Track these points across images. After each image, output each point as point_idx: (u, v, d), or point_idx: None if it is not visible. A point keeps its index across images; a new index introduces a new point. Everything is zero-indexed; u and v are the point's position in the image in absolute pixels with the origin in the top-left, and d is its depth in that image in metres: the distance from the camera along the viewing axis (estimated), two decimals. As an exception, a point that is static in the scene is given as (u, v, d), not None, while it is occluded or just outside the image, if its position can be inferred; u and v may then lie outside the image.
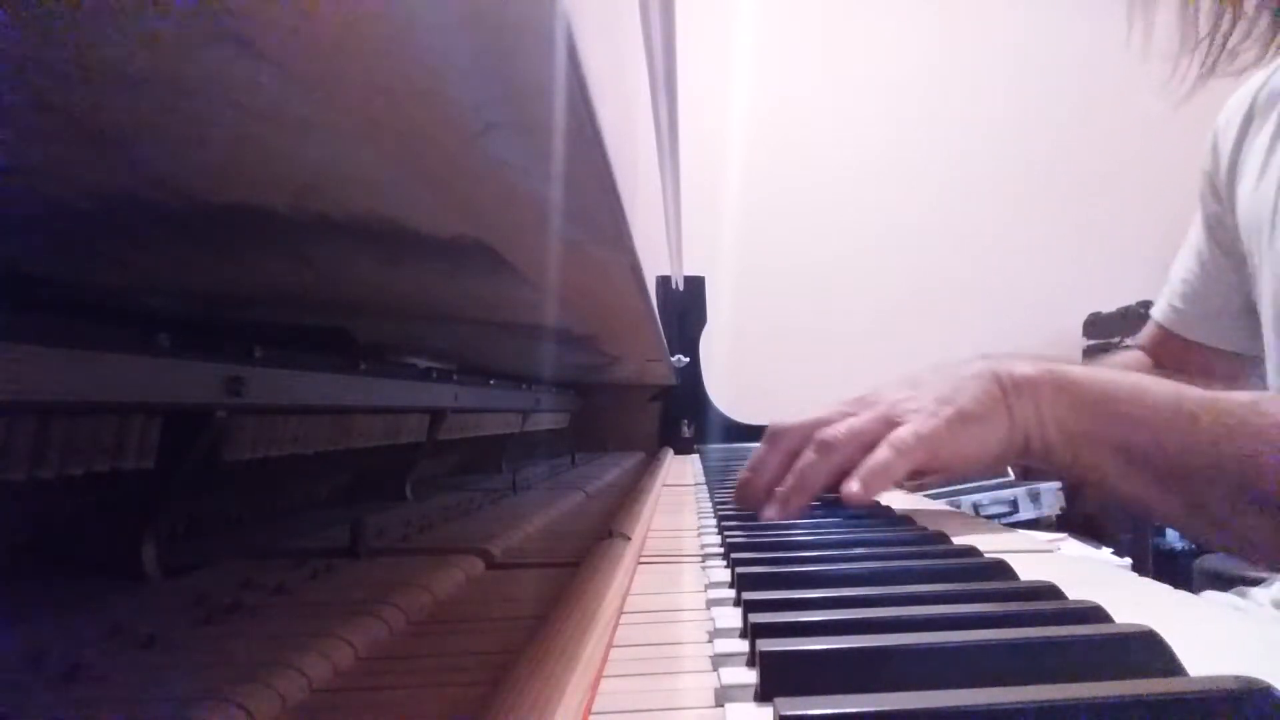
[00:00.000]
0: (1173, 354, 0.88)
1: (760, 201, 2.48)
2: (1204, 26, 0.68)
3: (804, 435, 0.58)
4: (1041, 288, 2.58)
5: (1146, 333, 0.93)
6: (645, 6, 0.50)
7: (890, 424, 0.56)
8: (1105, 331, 2.41)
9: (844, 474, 0.56)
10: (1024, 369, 0.55)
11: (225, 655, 0.31)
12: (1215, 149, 0.82)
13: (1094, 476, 0.54)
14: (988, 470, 0.57)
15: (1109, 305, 2.41)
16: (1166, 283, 0.90)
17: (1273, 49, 0.67)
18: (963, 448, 0.54)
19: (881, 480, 0.54)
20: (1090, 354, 2.47)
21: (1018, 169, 2.57)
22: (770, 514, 0.55)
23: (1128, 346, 1.01)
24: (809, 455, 0.56)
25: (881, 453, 0.54)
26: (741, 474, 0.61)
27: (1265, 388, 0.74)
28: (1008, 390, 0.55)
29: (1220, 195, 0.81)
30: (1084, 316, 2.51)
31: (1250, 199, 0.74)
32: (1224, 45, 0.68)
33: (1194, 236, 0.86)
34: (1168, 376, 0.87)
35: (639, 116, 0.58)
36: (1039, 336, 2.57)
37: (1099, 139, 2.57)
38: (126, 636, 0.33)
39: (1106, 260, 2.55)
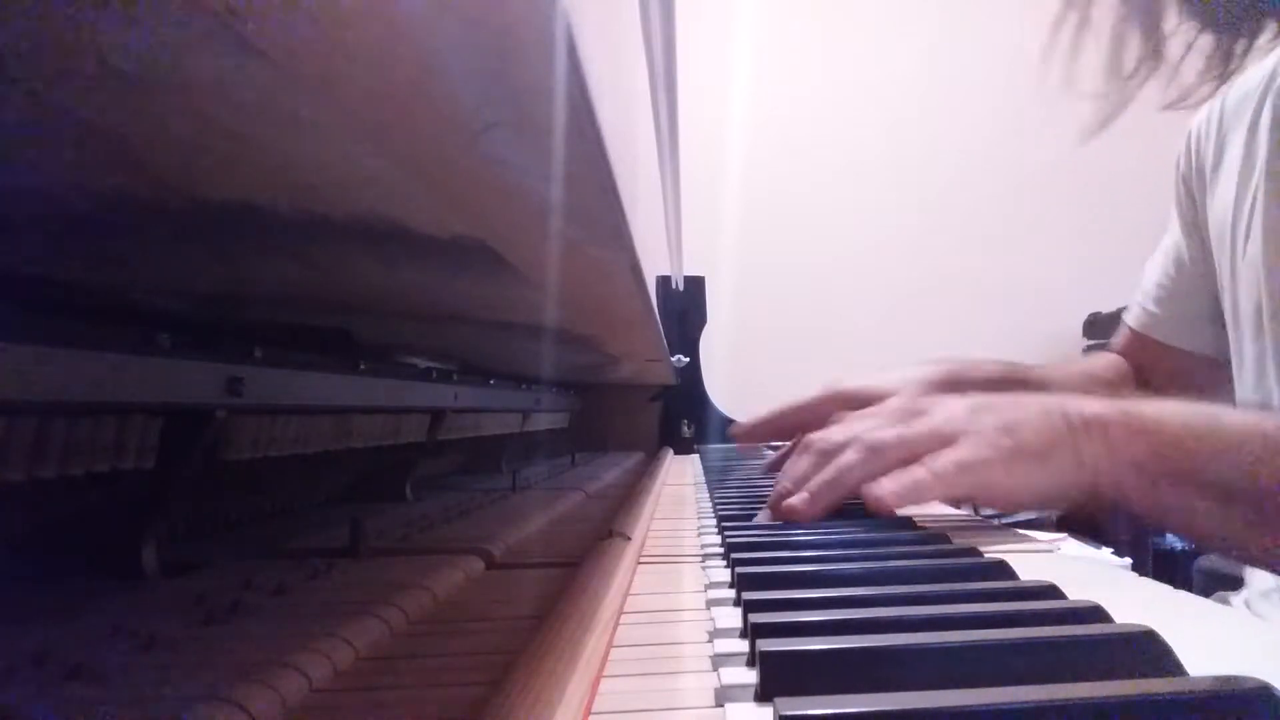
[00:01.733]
0: (1147, 359, 0.87)
1: (760, 201, 2.48)
2: (1128, 66, 0.66)
3: (846, 440, 0.55)
4: (1041, 288, 2.58)
5: (1120, 337, 0.92)
6: (645, 6, 0.50)
7: (943, 441, 0.52)
8: (1105, 331, 2.41)
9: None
10: (1095, 408, 0.52)
11: (225, 655, 0.31)
12: (1190, 152, 0.82)
13: (1179, 519, 0.51)
14: (1041, 507, 0.53)
15: (1109, 305, 2.41)
16: (1140, 288, 0.89)
17: (1221, 66, 0.66)
18: (1015, 484, 0.51)
19: (910, 498, 0.51)
20: (1090, 354, 2.47)
21: (1018, 169, 2.57)
22: (796, 505, 0.53)
23: (1103, 344, 0.99)
24: (851, 455, 0.54)
25: (918, 471, 0.51)
26: (779, 488, 0.57)
27: (1233, 395, 0.73)
28: (1076, 430, 0.51)
29: (1195, 199, 0.81)
30: (1084, 316, 2.51)
31: (1223, 207, 0.75)
32: (1147, 75, 0.66)
33: (1170, 240, 0.86)
34: (1142, 384, 0.87)
35: (639, 116, 0.58)
36: (1039, 336, 2.57)
37: (1100, 138, 2.56)
38: (126, 636, 0.33)
39: (1106, 260, 2.55)
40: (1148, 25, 0.64)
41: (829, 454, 0.56)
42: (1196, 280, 0.81)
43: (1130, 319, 0.90)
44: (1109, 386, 0.87)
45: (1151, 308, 0.86)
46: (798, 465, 0.57)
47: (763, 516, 0.57)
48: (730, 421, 1.64)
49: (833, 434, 0.57)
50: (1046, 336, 2.56)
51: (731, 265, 2.18)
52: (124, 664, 0.30)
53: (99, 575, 0.43)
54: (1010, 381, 0.83)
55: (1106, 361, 0.92)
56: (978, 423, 0.52)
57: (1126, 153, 2.56)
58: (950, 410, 0.54)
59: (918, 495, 0.51)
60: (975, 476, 0.51)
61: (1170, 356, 0.84)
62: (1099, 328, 2.45)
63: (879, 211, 2.57)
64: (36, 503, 0.40)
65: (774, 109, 2.52)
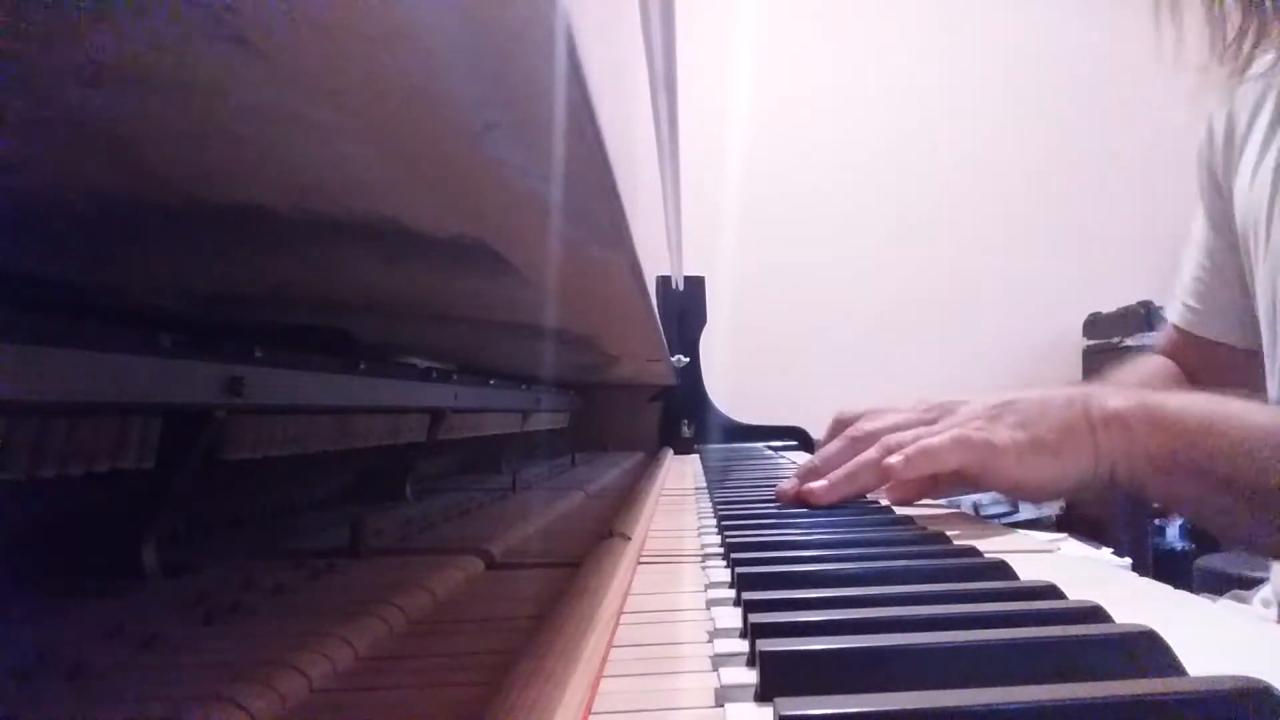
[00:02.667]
0: (1193, 355, 0.84)
1: (760, 201, 2.48)
2: (1231, 30, 0.65)
3: (874, 438, 0.61)
4: (1041, 288, 2.58)
5: (1164, 337, 0.88)
6: (645, 6, 0.50)
7: None
8: (1105, 331, 2.41)
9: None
10: (1116, 402, 0.54)
11: (225, 655, 0.31)
12: (1212, 140, 0.79)
13: (1193, 510, 0.54)
14: (1054, 497, 0.62)
15: (1109, 305, 2.41)
16: (1178, 284, 0.85)
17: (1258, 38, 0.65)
18: (1029, 474, 0.54)
19: (924, 463, 0.56)
20: (1090, 354, 2.48)
21: (1018, 169, 2.57)
22: (815, 489, 0.59)
23: (1148, 340, 0.97)
24: (872, 453, 0.59)
25: (938, 439, 0.56)
26: (806, 463, 0.64)
27: None
28: (1096, 424, 0.54)
29: (1220, 186, 0.79)
30: (1084, 316, 2.51)
31: (1248, 191, 0.73)
32: (1254, 46, 0.65)
33: (1199, 232, 0.82)
34: (1192, 382, 0.84)
35: (639, 116, 0.58)
36: (1039, 336, 2.57)
37: (1100, 138, 2.57)
38: (127, 636, 0.33)
39: (1106, 260, 2.55)
40: None
41: (858, 443, 0.61)
42: (1230, 271, 0.78)
43: (1171, 315, 0.86)
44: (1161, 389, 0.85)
45: (1190, 302, 0.83)
46: (829, 447, 0.64)
47: (786, 485, 0.63)
48: (730, 421, 1.64)
49: (865, 424, 0.64)
50: (1046, 336, 2.57)
51: (731, 265, 2.18)
52: (124, 664, 0.30)
53: (99, 575, 0.43)
54: None
55: (1153, 365, 0.89)
56: (1000, 418, 0.56)
57: (1128, 153, 2.56)
58: (972, 409, 0.58)
59: (928, 463, 0.56)
60: (981, 452, 0.55)
61: (1215, 351, 0.81)
62: (1099, 328, 2.45)
63: (879, 211, 2.57)
64: (36, 503, 0.40)
65: (774, 110, 2.52)
